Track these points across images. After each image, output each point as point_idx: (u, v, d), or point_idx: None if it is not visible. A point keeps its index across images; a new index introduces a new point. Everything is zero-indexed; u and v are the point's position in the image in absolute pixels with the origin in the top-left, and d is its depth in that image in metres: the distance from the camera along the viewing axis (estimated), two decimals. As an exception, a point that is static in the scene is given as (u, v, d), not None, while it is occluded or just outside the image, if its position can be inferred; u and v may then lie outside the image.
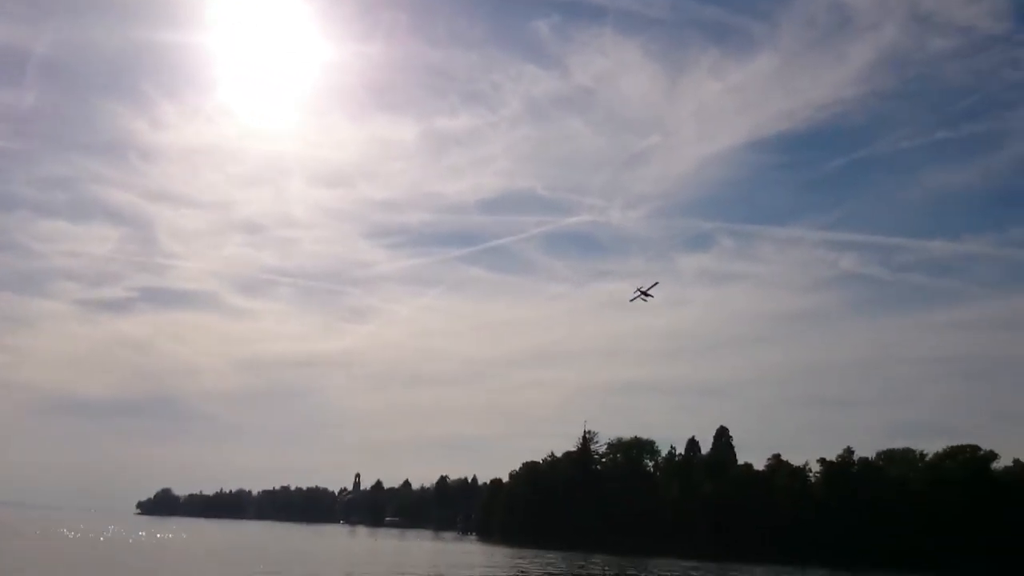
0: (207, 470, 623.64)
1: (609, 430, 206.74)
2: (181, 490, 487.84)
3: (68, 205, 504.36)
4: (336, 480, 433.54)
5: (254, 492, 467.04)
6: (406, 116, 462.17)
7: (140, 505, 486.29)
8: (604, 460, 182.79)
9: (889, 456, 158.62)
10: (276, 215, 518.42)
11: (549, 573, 71.54)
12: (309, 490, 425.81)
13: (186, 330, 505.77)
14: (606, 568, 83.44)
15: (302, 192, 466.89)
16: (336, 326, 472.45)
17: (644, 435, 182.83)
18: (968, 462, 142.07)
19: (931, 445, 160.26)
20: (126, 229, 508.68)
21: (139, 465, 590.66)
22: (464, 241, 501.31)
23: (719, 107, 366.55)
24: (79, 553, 76.60)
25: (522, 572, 72.98)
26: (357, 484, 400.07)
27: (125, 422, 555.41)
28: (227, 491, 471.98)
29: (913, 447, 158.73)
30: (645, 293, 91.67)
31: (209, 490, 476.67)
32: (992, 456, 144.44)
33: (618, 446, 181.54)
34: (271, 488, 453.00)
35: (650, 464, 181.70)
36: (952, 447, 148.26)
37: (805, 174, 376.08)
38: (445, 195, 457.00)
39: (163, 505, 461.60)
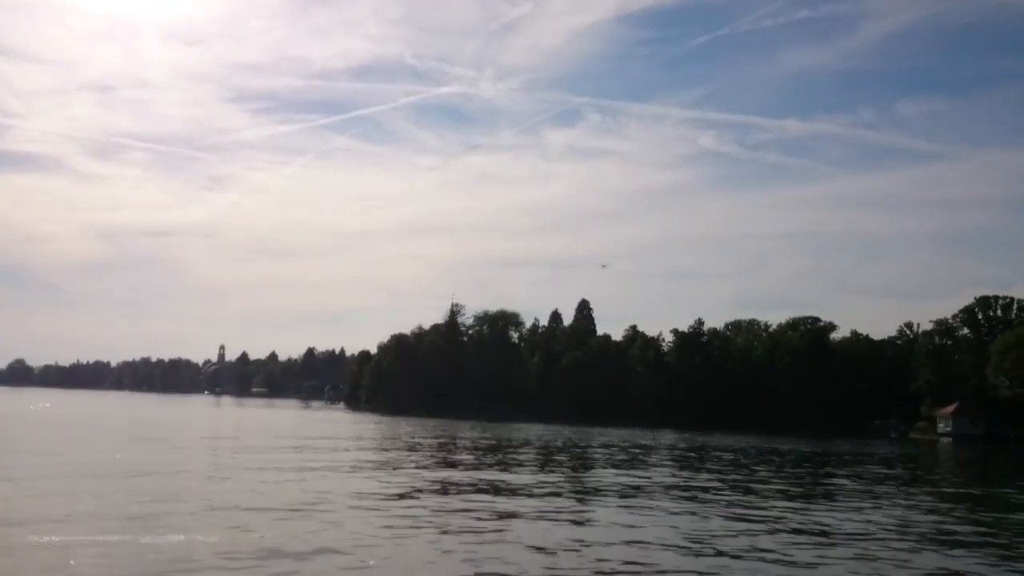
0: (61, 341, 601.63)
1: (477, 303, 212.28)
2: (35, 361, 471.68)
3: None
4: (200, 352, 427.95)
5: (113, 363, 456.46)
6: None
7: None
8: (471, 332, 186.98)
9: (736, 326, 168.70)
10: (127, 75, 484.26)
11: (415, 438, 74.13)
12: (171, 361, 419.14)
13: (31, 195, 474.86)
14: (474, 429, 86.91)
15: (155, 51, 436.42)
16: (195, 194, 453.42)
17: (510, 308, 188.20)
18: (808, 333, 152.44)
19: (776, 316, 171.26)
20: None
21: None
22: (331, 109, 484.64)
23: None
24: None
25: (389, 436, 75.24)
26: (222, 356, 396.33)
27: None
28: (84, 362, 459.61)
29: (759, 318, 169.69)
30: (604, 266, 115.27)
31: (65, 361, 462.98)
32: (831, 327, 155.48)
33: (484, 318, 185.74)
34: (131, 359, 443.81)
35: (515, 336, 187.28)
36: (794, 318, 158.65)
37: (671, 50, 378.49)
38: (311, 60, 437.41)
39: (17, 376, 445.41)
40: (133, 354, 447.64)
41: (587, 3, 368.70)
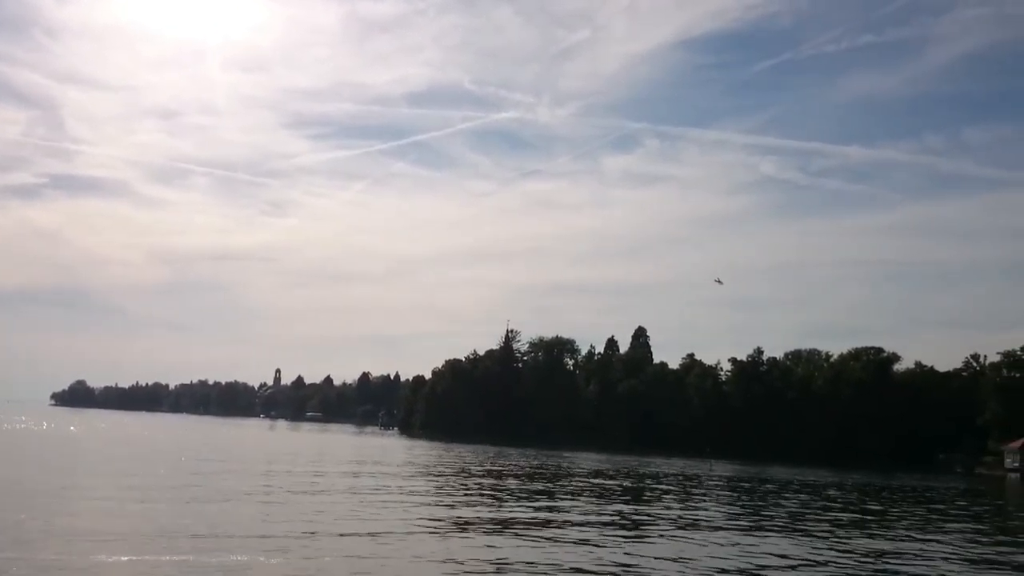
0: (122, 363, 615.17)
1: (534, 330, 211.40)
2: (96, 382, 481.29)
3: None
4: (256, 375, 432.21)
5: (171, 386, 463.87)
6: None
7: (54, 396, 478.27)
8: (526, 359, 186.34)
9: (796, 356, 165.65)
10: (191, 101, 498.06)
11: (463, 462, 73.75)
12: (228, 384, 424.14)
13: (97, 219, 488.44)
14: (528, 458, 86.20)
15: (218, 77, 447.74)
16: (256, 219, 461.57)
17: (567, 335, 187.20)
18: (870, 364, 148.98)
19: (840, 346, 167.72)
20: (33, 112, 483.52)
21: (50, 357, 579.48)
22: (389, 134, 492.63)
23: (649, 3, 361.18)
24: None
25: (440, 463, 74.98)
26: (277, 379, 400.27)
27: (34, 313, 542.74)
28: (143, 384, 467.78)
29: (821, 348, 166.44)
30: (719, 281, 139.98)
31: (124, 383, 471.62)
32: (894, 358, 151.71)
33: (539, 345, 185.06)
34: (188, 382, 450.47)
35: (570, 363, 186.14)
36: (856, 349, 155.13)
37: (732, 76, 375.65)
38: (370, 86, 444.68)
39: (78, 397, 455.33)
40: (191, 376, 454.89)
41: (646, 29, 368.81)
